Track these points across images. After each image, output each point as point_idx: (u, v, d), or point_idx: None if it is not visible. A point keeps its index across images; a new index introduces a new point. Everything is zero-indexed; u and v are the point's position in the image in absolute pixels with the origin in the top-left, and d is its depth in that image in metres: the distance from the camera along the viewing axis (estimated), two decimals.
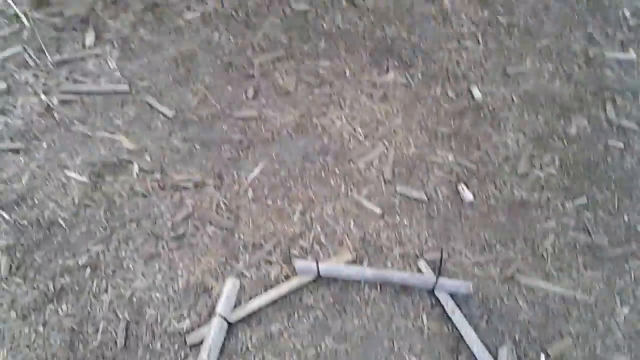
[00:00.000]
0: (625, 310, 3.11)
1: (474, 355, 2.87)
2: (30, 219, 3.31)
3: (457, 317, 2.97)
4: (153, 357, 2.85)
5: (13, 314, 2.96)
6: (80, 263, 3.15)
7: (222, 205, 3.43)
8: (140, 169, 3.56)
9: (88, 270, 3.13)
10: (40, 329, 2.92)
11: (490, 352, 2.87)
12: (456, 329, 2.96)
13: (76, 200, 3.39)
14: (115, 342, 2.88)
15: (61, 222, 3.30)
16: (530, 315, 3.06)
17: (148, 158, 3.63)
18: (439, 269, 3.06)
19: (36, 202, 3.38)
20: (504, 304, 3.10)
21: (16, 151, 3.60)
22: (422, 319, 3.02)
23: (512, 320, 3.04)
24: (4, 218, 3.29)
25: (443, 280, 3.04)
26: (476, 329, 2.96)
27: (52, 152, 3.62)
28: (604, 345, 2.98)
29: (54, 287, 3.05)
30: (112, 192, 3.45)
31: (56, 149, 3.64)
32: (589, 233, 3.40)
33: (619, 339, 3.01)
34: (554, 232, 3.40)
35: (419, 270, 3.18)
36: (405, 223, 3.40)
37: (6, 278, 3.07)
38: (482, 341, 2.90)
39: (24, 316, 2.95)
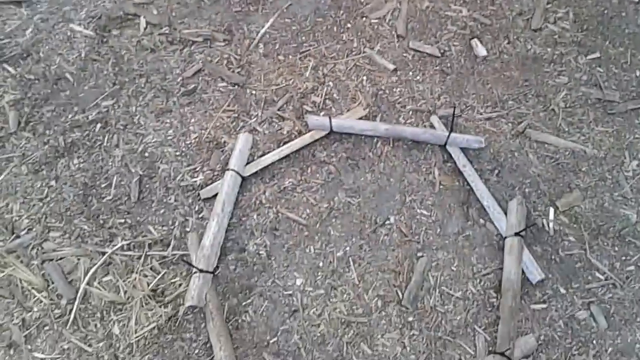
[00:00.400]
0: (634, 164, 2.55)
1: (484, 208, 2.39)
2: (36, 73, 2.64)
3: (468, 171, 2.45)
4: (167, 210, 2.33)
5: (24, 168, 2.40)
6: (90, 118, 2.54)
7: (233, 61, 2.74)
8: (148, 23, 2.82)
9: (98, 125, 2.52)
10: (53, 183, 2.38)
11: (500, 205, 2.37)
12: (467, 182, 2.44)
13: (83, 55, 2.71)
14: (129, 196, 2.36)
15: (68, 76, 2.64)
16: (541, 169, 2.50)
17: (155, 11, 2.88)
18: (451, 124, 2.49)
19: (42, 56, 2.70)
20: (515, 158, 2.53)
21: (18, 3, 2.86)
22: (433, 173, 2.46)
23: (522, 174, 2.49)
24: (9, 72, 2.63)
25: (455, 136, 2.48)
26: (487, 182, 2.44)
27: (55, 4, 2.88)
28: (611, 198, 2.45)
29: (64, 142, 2.47)
30: (119, 46, 2.75)
31: (59, 2, 2.89)
32: (601, 88, 2.74)
33: (626, 192, 2.47)
34: (566, 87, 2.74)
35: (432, 126, 2.57)
36: (418, 79, 2.73)
37: (15, 132, 2.48)
38: (492, 194, 2.40)
39: (35, 170, 2.40)
